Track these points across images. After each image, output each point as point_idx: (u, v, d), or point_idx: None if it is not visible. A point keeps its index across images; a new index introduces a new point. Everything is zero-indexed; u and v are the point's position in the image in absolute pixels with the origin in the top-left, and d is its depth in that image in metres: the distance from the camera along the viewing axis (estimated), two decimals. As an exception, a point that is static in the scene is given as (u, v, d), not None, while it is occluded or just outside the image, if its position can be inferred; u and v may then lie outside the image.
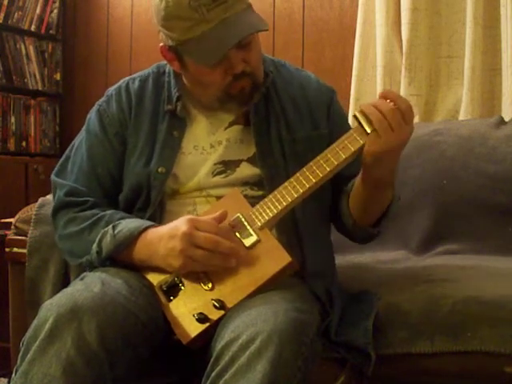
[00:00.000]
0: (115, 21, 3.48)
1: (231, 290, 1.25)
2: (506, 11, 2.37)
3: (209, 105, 1.43)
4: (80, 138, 1.52)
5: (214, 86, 1.37)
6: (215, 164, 1.43)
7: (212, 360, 1.15)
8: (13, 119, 3.37)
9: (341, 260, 1.66)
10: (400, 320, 1.41)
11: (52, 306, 1.17)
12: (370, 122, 1.26)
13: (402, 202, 1.95)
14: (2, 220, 1.95)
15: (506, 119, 2.17)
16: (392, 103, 1.26)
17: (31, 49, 3.47)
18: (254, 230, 1.29)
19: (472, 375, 1.37)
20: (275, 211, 1.30)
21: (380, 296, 1.44)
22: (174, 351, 1.29)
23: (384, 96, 1.28)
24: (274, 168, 1.42)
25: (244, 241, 1.29)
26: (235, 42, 1.29)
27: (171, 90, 1.46)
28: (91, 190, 1.45)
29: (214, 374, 1.13)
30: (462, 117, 2.46)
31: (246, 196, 1.38)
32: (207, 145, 1.45)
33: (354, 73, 2.70)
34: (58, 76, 3.60)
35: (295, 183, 1.31)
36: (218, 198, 1.40)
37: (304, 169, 1.31)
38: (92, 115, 1.52)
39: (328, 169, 1.30)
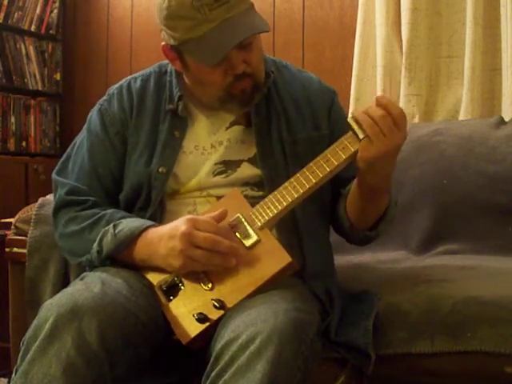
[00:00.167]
0: (115, 21, 3.48)
1: (231, 290, 1.25)
2: (506, 11, 2.37)
3: (210, 105, 1.43)
4: (81, 137, 1.52)
5: (215, 86, 1.37)
6: (216, 164, 1.44)
7: (212, 360, 1.15)
8: (13, 119, 3.37)
9: (341, 260, 1.66)
10: (400, 320, 1.41)
11: (52, 306, 1.17)
12: (362, 129, 1.27)
13: (402, 202, 1.96)
14: (2, 220, 1.95)
15: (506, 119, 2.17)
16: (384, 109, 1.26)
17: (31, 49, 3.47)
18: (254, 230, 1.29)
19: (472, 375, 1.37)
20: (275, 211, 1.31)
21: (380, 296, 1.44)
22: (174, 351, 1.29)
23: (377, 102, 1.28)
24: (274, 169, 1.42)
25: (244, 241, 1.29)
26: (236, 42, 1.29)
27: (173, 90, 1.46)
28: (92, 189, 1.45)
29: (213, 373, 1.13)
30: (462, 117, 2.46)
31: (246, 196, 1.38)
32: (208, 145, 1.45)
33: (354, 73, 2.70)
34: (58, 76, 3.60)
35: (295, 183, 1.31)
36: (219, 198, 1.40)
37: (304, 169, 1.32)
38: (93, 114, 1.52)
39: (328, 169, 1.30)
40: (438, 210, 2.00)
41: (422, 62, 2.55)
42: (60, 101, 3.62)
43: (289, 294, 1.24)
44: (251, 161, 1.44)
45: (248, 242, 1.28)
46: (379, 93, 2.61)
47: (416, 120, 2.52)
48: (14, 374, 1.16)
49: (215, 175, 1.43)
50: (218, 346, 1.15)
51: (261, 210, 1.31)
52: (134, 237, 1.32)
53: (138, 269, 1.34)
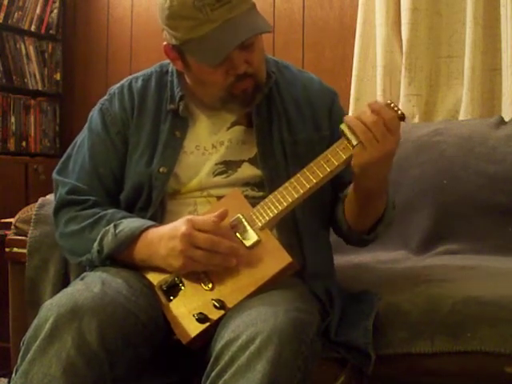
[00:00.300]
0: (115, 21, 3.48)
1: (231, 290, 1.25)
2: (506, 11, 2.37)
3: (211, 105, 1.43)
4: (82, 137, 1.52)
5: (216, 86, 1.37)
6: (216, 164, 1.44)
7: (212, 360, 1.15)
8: (13, 119, 3.37)
9: (341, 260, 1.66)
10: (400, 320, 1.41)
11: (52, 306, 1.17)
12: (355, 135, 1.27)
13: (402, 202, 1.96)
14: (2, 220, 1.95)
15: (506, 119, 2.17)
16: (376, 115, 1.26)
17: (31, 49, 3.47)
18: (254, 231, 1.29)
19: (472, 375, 1.37)
20: (276, 211, 1.31)
21: (380, 296, 1.44)
22: (174, 351, 1.29)
23: (369, 107, 1.28)
24: (275, 169, 1.42)
25: (244, 241, 1.29)
26: (238, 43, 1.29)
27: (174, 90, 1.46)
28: (93, 189, 1.45)
29: (213, 373, 1.13)
30: (462, 117, 2.46)
31: (246, 197, 1.38)
32: (209, 145, 1.45)
33: (354, 73, 2.70)
34: (58, 76, 3.60)
35: (295, 183, 1.31)
36: (219, 198, 1.40)
37: (304, 169, 1.32)
38: (94, 113, 1.52)
39: (329, 169, 1.30)
40: (438, 210, 2.00)
41: (422, 61, 2.55)
42: (60, 101, 3.62)
43: (289, 294, 1.24)
44: (252, 161, 1.44)
45: (248, 242, 1.28)
46: (379, 93, 2.61)
47: (416, 120, 2.53)
48: (14, 374, 1.16)
49: (216, 175, 1.43)
50: (218, 346, 1.15)
51: (261, 210, 1.31)
52: (134, 237, 1.32)
53: (138, 269, 1.35)
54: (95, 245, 1.35)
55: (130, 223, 1.35)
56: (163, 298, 1.29)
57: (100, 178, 1.46)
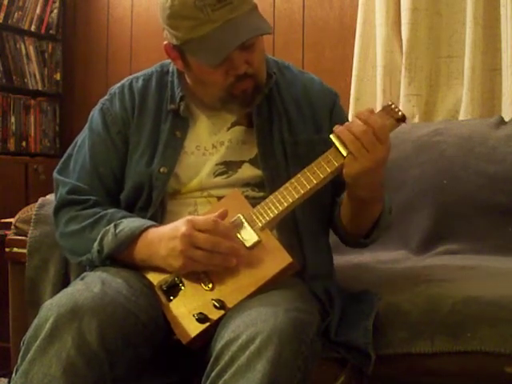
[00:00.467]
0: (115, 21, 3.48)
1: (231, 290, 1.25)
2: (506, 11, 2.37)
3: (211, 105, 1.43)
4: (83, 136, 1.52)
5: (216, 86, 1.37)
6: (217, 164, 1.44)
7: (212, 360, 1.15)
8: (13, 119, 3.37)
9: (341, 260, 1.66)
10: (400, 320, 1.41)
11: (52, 306, 1.17)
12: (345, 145, 1.27)
13: (402, 202, 1.96)
14: (2, 220, 1.95)
15: (506, 119, 2.17)
16: (365, 124, 1.26)
17: (31, 49, 3.47)
18: (254, 231, 1.29)
19: (472, 375, 1.37)
20: (276, 212, 1.31)
21: (380, 296, 1.44)
22: (174, 351, 1.29)
23: (357, 117, 1.28)
24: (275, 169, 1.42)
25: (245, 241, 1.29)
26: (238, 43, 1.29)
27: (174, 90, 1.46)
28: (93, 189, 1.45)
29: (213, 373, 1.13)
30: (462, 117, 2.47)
31: (246, 197, 1.38)
32: (209, 145, 1.45)
33: (354, 73, 2.70)
34: (58, 76, 3.60)
35: (296, 184, 1.31)
36: (219, 198, 1.40)
37: (305, 170, 1.32)
38: (95, 113, 1.52)
39: (329, 170, 1.30)
40: (438, 210, 2.00)
41: (422, 61, 2.55)
42: (60, 101, 3.62)
43: (289, 294, 1.24)
44: (252, 161, 1.44)
45: (249, 243, 1.28)
46: (379, 93, 2.61)
47: (416, 120, 2.53)
48: (14, 374, 1.16)
49: (216, 176, 1.43)
50: (218, 346, 1.15)
51: (261, 211, 1.31)
52: (134, 237, 1.32)
53: (138, 269, 1.34)
54: (95, 244, 1.35)
55: (130, 223, 1.35)
56: (163, 298, 1.29)
57: (100, 178, 1.46)
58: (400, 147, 2.09)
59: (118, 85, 1.54)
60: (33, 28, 3.47)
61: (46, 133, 3.55)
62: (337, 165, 1.30)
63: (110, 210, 1.40)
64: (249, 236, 1.29)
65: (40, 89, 3.50)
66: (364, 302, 1.45)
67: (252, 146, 1.44)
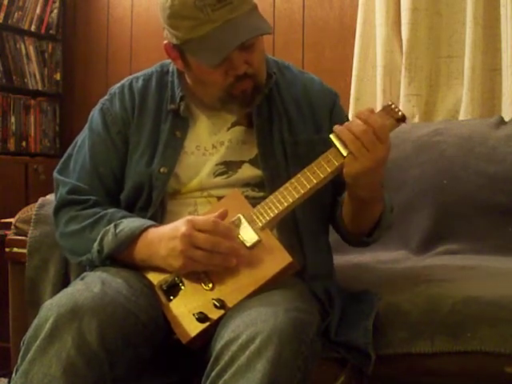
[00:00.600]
0: (115, 21, 3.48)
1: (231, 290, 1.25)
2: (506, 11, 2.37)
3: (211, 105, 1.43)
4: (83, 136, 1.52)
5: (216, 86, 1.37)
6: (217, 165, 1.44)
7: (212, 360, 1.15)
8: (13, 119, 3.37)
9: (341, 260, 1.66)
10: (400, 320, 1.41)
11: (52, 306, 1.17)
12: (345, 145, 1.27)
13: (402, 202, 1.96)
14: (2, 220, 1.95)
15: (506, 119, 2.17)
16: (365, 123, 1.26)
17: (31, 49, 3.47)
18: (254, 231, 1.29)
19: (472, 375, 1.37)
20: (276, 211, 1.31)
21: (380, 296, 1.44)
22: (174, 351, 1.29)
23: (357, 117, 1.28)
24: (275, 169, 1.42)
25: (245, 241, 1.29)
26: (238, 44, 1.29)
27: (174, 90, 1.46)
28: (93, 189, 1.45)
29: (213, 373, 1.13)
30: (462, 117, 2.47)
31: (247, 197, 1.38)
32: (209, 145, 1.45)
33: (354, 73, 2.70)
34: (58, 76, 3.60)
35: (296, 184, 1.31)
36: (219, 198, 1.40)
37: (305, 169, 1.32)
38: (95, 113, 1.52)
39: (329, 169, 1.30)
40: (438, 210, 2.00)
41: (422, 61, 2.55)
42: (60, 101, 3.62)
43: (289, 293, 1.24)
44: (252, 162, 1.44)
45: (249, 242, 1.28)
46: (379, 93, 2.61)
47: (416, 120, 2.53)
48: (14, 374, 1.16)
49: (216, 176, 1.43)
50: (218, 345, 1.15)
51: (261, 211, 1.31)
52: (134, 236, 1.32)
53: (138, 269, 1.34)
54: (95, 244, 1.35)
55: (130, 223, 1.35)
56: (163, 298, 1.29)
57: (100, 178, 1.46)
58: (400, 147, 2.09)
59: (118, 85, 1.54)
60: (33, 28, 3.47)
61: (46, 133, 3.55)
62: (337, 164, 1.30)
63: (110, 210, 1.40)
64: (249, 236, 1.29)
65: (40, 89, 3.50)
66: (364, 302, 1.45)
67: (252, 146, 1.44)
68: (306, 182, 1.31)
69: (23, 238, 1.77)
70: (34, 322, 1.18)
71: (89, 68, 3.57)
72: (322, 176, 1.30)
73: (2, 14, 3.30)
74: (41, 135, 3.52)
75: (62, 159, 1.53)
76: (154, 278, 1.32)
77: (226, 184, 1.42)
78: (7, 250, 1.81)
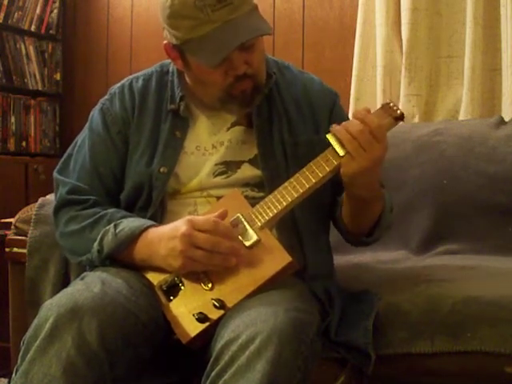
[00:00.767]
0: (115, 21, 3.48)
1: (231, 290, 1.25)
2: (506, 11, 2.37)
3: (211, 105, 1.43)
4: (83, 136, 1.52)
5: (216, 86, 1.37)
6: (216, 164, 1.44)
7: (212, 360, 1.15)
8: (13, 119, 3.37)
9: (341, 260, 1.66)
10: (400, 320, 1.41)
11: (52, 306, 1.17)
12: (342, 145, 1.27)
13: (402, 202, 1.96)
14: (2, 220, 1.95)
15: (506, 119, 2.17)
16: (361, 123, 1.26)
17: (31, 49, 3.47)
18: (254, 230, 1.29)
19: (472, 375, 1.37)
20: (275, 211, 1.31)
21: (380, 296, 1.44)
22: (174, 351, 1.29)
23: (354, 116, 1.28)
24: (275, 170, 1.42)
25: (244, 241, 1.29)
26: (238, 44, 1.29)
27: (174, 90, 1.46)
28: (93, 189, 1.45)
29: (213, 373, 1.13)
30: (462, 117, 2.47)
31: (246, 197, 1.38)
32: (209, 145, 1.45)
33: (354, 73, 2.70)
34: (58, 76, 3.60)
35: (295, 183, 1.31)
36: (219, 198, 1.40)
37: (304, 169, 1.32)
38: (95, 113, 1.52)
39: (328, 169, 1.31)
40: (438, 210, 2.00)
41: (422, 61, 2.55)
42: (60, 101, 3.62)
43: (288, 293, 1.24)
44: (252, 162, 1.44)
45: (248, 242, 1.28)
46: (379, 93, 2.61)
47: (416, 120, 2.53)
48: (14, 374, 1.16)
49: (216, 176, 1.43)
50: (217, 345, 1.15)
51: (261, 210, 1.31)
52: (134, 236, 1.32)
53: (138, 269, 1.34)
54: (95, 244, 1.35)
55: (130, 223, 1.35)
56: (163, 298, 1.29)
57: (100, 178, 1.46)
58: (400, 147, 2.09)
59: (118, 85, 1.54)
60: (33, 28, 3.47)
61: (46, 133, 3.55)
62: (336, 164, 1.30)
63: (110, 210, 1.40)
64: (248, 235, 1.29)
65: (40, 89, 3.50)
66: (364, 302, 1.45)
67: (252, 146, 1.44)
68: (304, 182, 1.31)
69: (23, 238, 1.77)
70: (33, 322, 1.18)
71: (89, 68, 3.57)
72: (320, 175, 1.31)
73: (2, 14, 3.30)
74: (41, 135, 3.52)
75: (62, 159, 1.53)
76: (154, 278, 1.32)
77: (226, 184, 1.42)
78: (7, 250, 1.81)
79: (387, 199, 1.45)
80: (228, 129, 1.46)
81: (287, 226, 1.40)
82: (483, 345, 1.34)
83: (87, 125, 1.52)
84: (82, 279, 1.32)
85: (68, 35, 3.63)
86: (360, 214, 1.42)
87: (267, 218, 1.30)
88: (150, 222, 1.35)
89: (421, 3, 2.53)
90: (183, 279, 1.30)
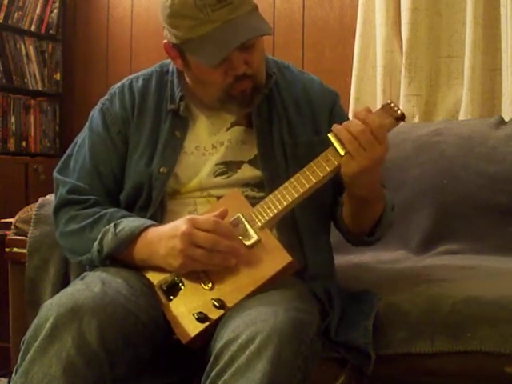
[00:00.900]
0: (115, 21, 3.48)
1: (231, 290, 1.25)
2: (506, 11, 2.37)
3: (210, 105, 1.43)
4: (83, 136, 1.52)
5: (215, 86, 1.37)
6: (216, 165, 1.44)
7: (211, 360, 1.15)
8: (13, 119, 3.37)
9: (341, 260, 1.66)
10: (400, 320, 1.41)
11: (52, 306, 1.17)
12: (342, 144, 1.27)
13: (402, 202, 1.96)
14: (2, 220, 1.95)
15: (506, 119, 2.17)
16: (363, 123, 1.26)
17: (31, 49, 3.47)
18: (254, 230, 1.29)
19: (472, 375, 1.37)
20: (275, 211, 1.31)
21: (380, 296, 1.44)
22: (174, 351, 1.29)
23: (355, 116, 1.28)
24: (275, 170, 1.42)
25: (244, 240, 1.29)
26: (237, 44, 1.29)
27: (174, 90, 1.46)
28: (93, 188, 1.45)
29: (213, 373, 1.13)
30: (462, 117, 2.47)
31: (246, 197, 1.38)
32: (209, 145, 1.45)
33: (354, 73, 2.70)
34: (57, 76, 3.60)
35: (295, 183, 1.31)
36: (219, 198, 1.40)
37: (304, 169, 1.32)
38: (95, 113, 1.52)
39: (329, 169, 1.30)
40: (438, 210, 2.00)
41: (422, 61, 2.55)
42: (60, 101, 3.62)
43: (288, 293, 1.24)
44: (252, 162, 1.44)
45: (248, 242, 1.28)
46: (379, 93, 2.61)
47: (416, 120, 2.53)
48: (14, 374, 1.16)
49: (216, 176, 1.43)
50: (217, 345, 1.15)
51: (261, 210, 1.31)
52: (134, 236, 1.32)
53: (138, 268, 1.34)
54: (95, 244, 1.35)
55: (130, 222, 1.35)
56: (163, 298, 1.29)
57: (100, 178, 1.46)
58: (400, 147, 2.09)
59: (118, 84, 1.54)
60: (33, 28, 3.47)
61: (46, 133, 3.55)
62: (336, 164, 1.30)
63: (110, 210, 1.40)
64: (248, 235, 1.29)
65: (40, 89, 3.50)
66: (364, 301, 1.44)
67: (252, 146, 1.44)
68: (305, 182, 1.31)
69: (23, 238, 1.77)
70: (33, 322, 1.18)
71: (89, 68, 3.57)
72: (321, 175, 1.30)
73: (2, 14, 3.30)
74: (41, 135, 3.52)
75: (62, 159, 1.53)
76: (154, 277, 1.32)
77: (226, 184, 1.42)
78: (7, 250, 1.81)
79: (388, 198, 1.45)
80: (228, 129, 1.46)
81: (287, 226, 1.40)
82: (483, 345, 1.34)
83: (87, 124, 1.52)
84: (82, 279, 1.32)
85: (68, 35, 3.63)
86: (361, 214, 1.42)
87: (267, 217, 1.30)
88: (149, 222, 1.35)
89: (421, 3, 2.53)
90: (183, 279, 1.30)
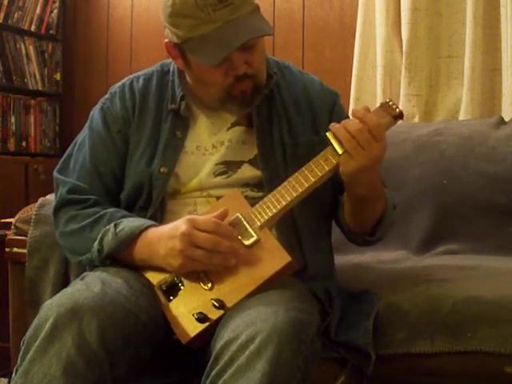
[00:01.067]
0: (115, 21, 3.48)
1: (231, 290, 1.25)
2: (506, 11, 2.37)
3: (211, 104, 1.43)
4: (83, 136, 1.52)
5: (216, 86, 1.37)
6: (217, 164, 1.44)
7: (211, 360, 1.15)
8: (13, 119, 3.37)
9: (341, 260, 1.66)
10: (400, 320, 1.41)
11: (52, 306, 1.17)
12: (341, 143, 1.27)
13: (402, 202, 1.96)
14: (2, 220, 1.95)
15: (506, 119, 2.17)
16: (361, 122, 1.26)
17: (31, 49, 3.47)
18: (253, 230, 1.29)
19: (472, 375, 1.37)
20: (274, 211, 1.31)
21: (380, 296, 1.44)
22: (174, 351, 1.29)
23: (353, 115, 1.28)
24: (274, 170, 1.42)
25: (244, 240, 1.29)
26: (238, 44, 1.29)
27: (175, 89, 1.46)
28: (93, 188, 1.45)
29: (213, 373, 1.13)
30: (462, 117, 2.47)
31: (246, 197, 1.38)
32: (209, 145, 1.45)
33: (354, 73, 2.70)
34: (57, 76, 3.60)
35: (294, 182, 1.31)
36: (219, 198, 1.40)
37: (303, 168, 1.32)
38: (95, 112, 1.52)
39: (327, 168, 1.30)
40: (438, 210, 2.00)
41: (422, 61, 2.56)
42: (60, 101, 3.62)
43: (288, 293, 1.24)
44: (252, 162, 1.44)
45: (247, 242, 1.28)
46: (379, 93, 2.61)
47: (416, 120, 2.53)
48: (14, 374, 1.16)
49: (216, 176, 1.43)
50: (217, 345, 1.15)
51: (260, 210, 1.31)
52: (134, 236, 1.32)
53: (137, 268, 1.34)
54: (95, 244, 1.35)
55: (130, 222, 1.35)
56: (163, 298, 1.29)
57: (100, 177, 1.46)
58: (400, 147, 2.09)
59: (119, 84, 1.54)
60: (33, 28, 3.47)
61: (46, 133, 3.55)
62: (335, 163, 1.30)
63: (110, 210, 1.40)
64: (248, 235, 1.29)
65: (40, 89, 3.50)
66: (364, 301, 1.44)
67: (252, 146, 1.44)
68: (304, 181, 1.31)
69: (23, 238, 1.77)
70: (33, 321, 1.18)
71: (89, 68, 3.57)
72: (319, 174, 1.30)
73: (2, 14, 3.30)
74: (41, 135, 3.52)
75: (62, 159, 1.53)
76: (154, 277, 1.32)
77: (226, 184, 1.42)
78: (7, 250, 1.81)
79: (389, 197, 1.45)
80: (228, 129, 1.46)
81: (287, 226, 1.40)
82: (483, 345, 1.34)
83: (87, 124, 1.52)
84: (82, 279, 1.32)
85: (68, 35, 3.63)
86: (361, 213, 1.42)
87: (266, 217, 1.30)
88: (149, 222, 1.35)
89: (421, 3, 2.53)
90: (183, 279, 1.30)
